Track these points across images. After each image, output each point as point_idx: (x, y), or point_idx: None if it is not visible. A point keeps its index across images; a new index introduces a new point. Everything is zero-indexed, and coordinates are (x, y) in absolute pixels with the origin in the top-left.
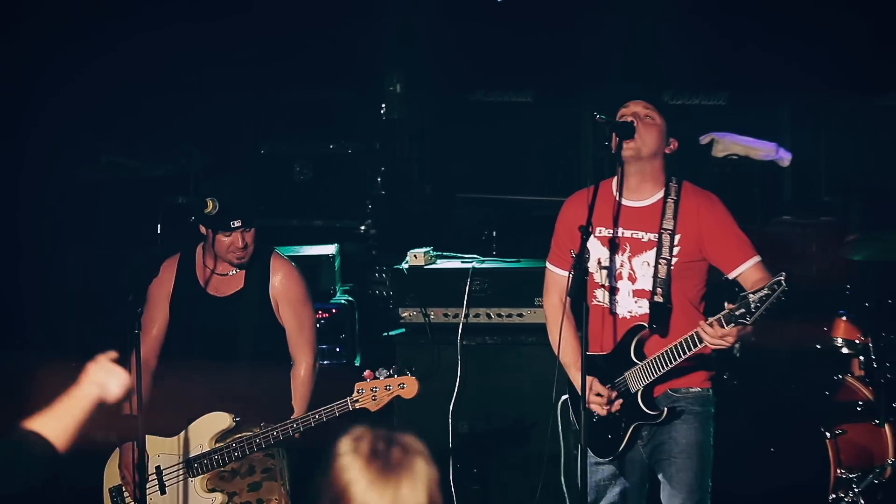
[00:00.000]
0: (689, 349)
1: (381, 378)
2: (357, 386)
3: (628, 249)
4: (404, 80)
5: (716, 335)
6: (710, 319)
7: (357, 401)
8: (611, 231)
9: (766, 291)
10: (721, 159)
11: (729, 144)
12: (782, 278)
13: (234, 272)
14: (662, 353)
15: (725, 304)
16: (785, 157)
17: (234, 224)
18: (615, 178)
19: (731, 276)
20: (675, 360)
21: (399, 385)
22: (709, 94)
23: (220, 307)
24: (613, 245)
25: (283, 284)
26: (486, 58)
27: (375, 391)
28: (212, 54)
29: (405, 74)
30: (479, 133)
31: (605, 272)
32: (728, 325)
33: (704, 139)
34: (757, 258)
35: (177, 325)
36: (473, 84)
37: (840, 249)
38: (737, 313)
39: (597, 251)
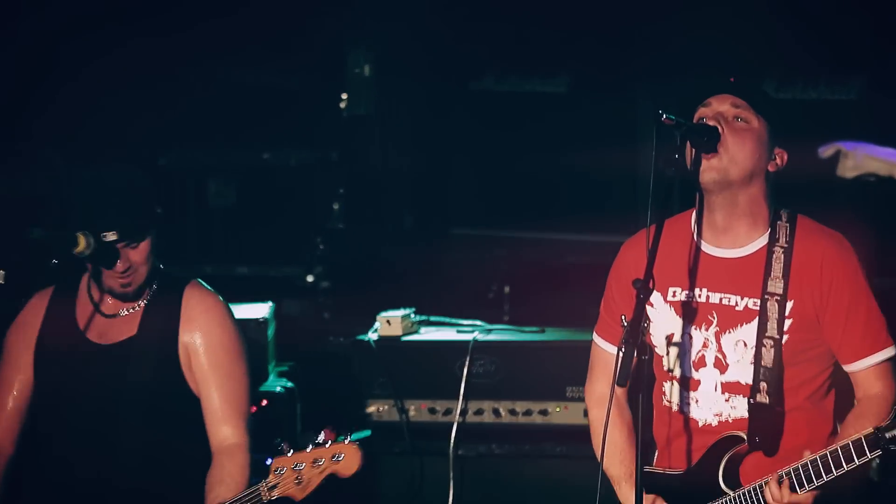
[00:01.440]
0: (811, 481)
1: (308, 450)
2: (274, 464)
3: (715, 322)
4: (375, 60)
5: (780, 499)
6: (782, 471)
7: (275, 486)
8: (688, 293)
9: None
10: (852, 181)
11: (864, 160)
12: None
13: (126, 311)
14: (763, 484)
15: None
16: None
17: (106, 237)
18: (693, 212)
19: (845, 368)
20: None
21: (333, 457)
22: (834, 85)
23: (103, 360)
24: (692, 314)
25: (199, 330)
26: (496, 29)
27: (300, 469)
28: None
29: (377, 52)
30: (486, 138)
31: (678, 355)
32: (876, 450)
33: (827, 151)
34: (889, 351)
35: (45, 388)
36: (478, 66)
37: None
38: (888, 435)
39: (667, 323)
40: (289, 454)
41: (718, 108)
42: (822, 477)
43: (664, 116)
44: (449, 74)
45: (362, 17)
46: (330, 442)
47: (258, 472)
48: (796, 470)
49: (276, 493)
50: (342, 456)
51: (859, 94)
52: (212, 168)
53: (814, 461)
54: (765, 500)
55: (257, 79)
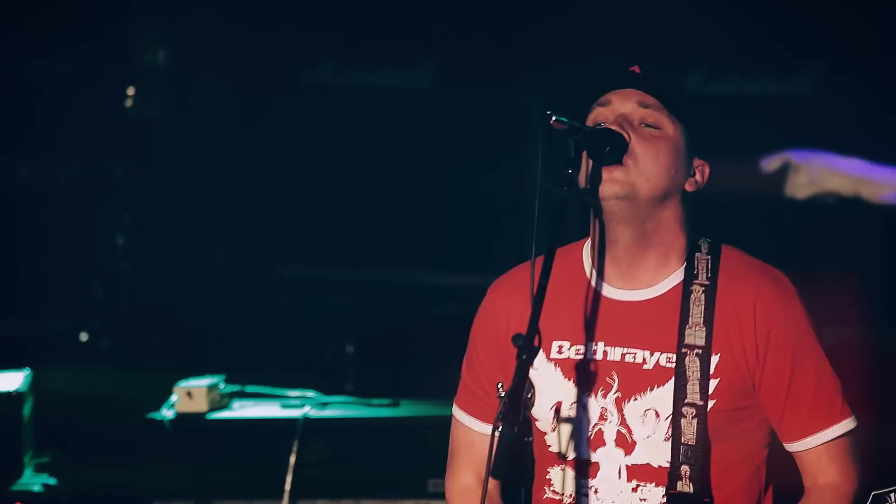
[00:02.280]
0: None
1: None
2: None
3: (616, 385)
4: (174, 45)
5: None
6: None
7: None
8: (580, 349)
9: None
10: (805, 202)
11: (821, 174)
12: None
13: None
14: None
15: None
16: None
17: None
18: (588, 241)
19: (790, 446)
20: None
21: None
22: (781, 76)
23: None
24: (586, 377)
25: None
26: (333, 4)
27: None
28: None
29: (175, 31)
30: (321, 148)
31: (568, 431)
32: None
33: (772, 163)
34: (847, 424)
35: None
36: (312, 52)
37: None
38: None
39: (552, 389)
40: None
41: (621, 109)
42: None
43: (553, 118)
44: (274, 64)
45: None
46: None
47: None
48: None
49: None
50: None
51: (815, 89)
52: None
53: None
54: None
55: (14, 69)
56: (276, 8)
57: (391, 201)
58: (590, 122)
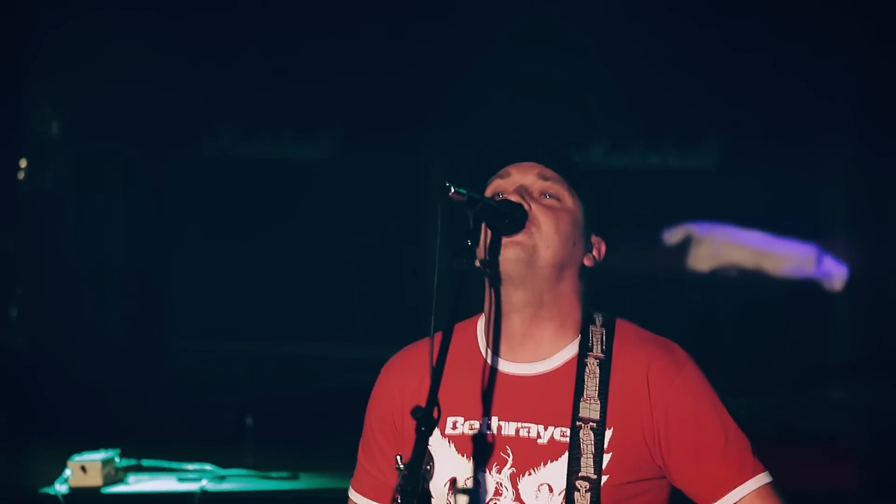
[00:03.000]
0: None
1: None
2: None
3: (511, 460)
4: (68, 112)
5: None
6: None
7: None
8: (473, 424)
9: None
10: (708, 275)
11: (723, 247)
12: None
13: None
14: None
15: None
16: (836, 274)
17: None
18: (482, 316)
19: None
20: None
21: None
22: (683, 149)
23: None
24: (480, 452)
25: None
26: (232, 74)
27: None
28: None
29: (70, 100)
30: (220, 218)
31: None
32: None
33: (674, 236)
34: (763, 478)
35: None
36: (212, 121)
37: None
38: None
39: (446, 465)
40: None
41: (521, 181)
42: None
43: (452, 190)
44: (171, 132)
45: (49, 55)
46: None
47: None
48: None
49: None
50: None
51: (717, 162)
52: None
53: None
54: None
55: None
56: (175, 80)
57: (291, 272)
58: (489, 193)
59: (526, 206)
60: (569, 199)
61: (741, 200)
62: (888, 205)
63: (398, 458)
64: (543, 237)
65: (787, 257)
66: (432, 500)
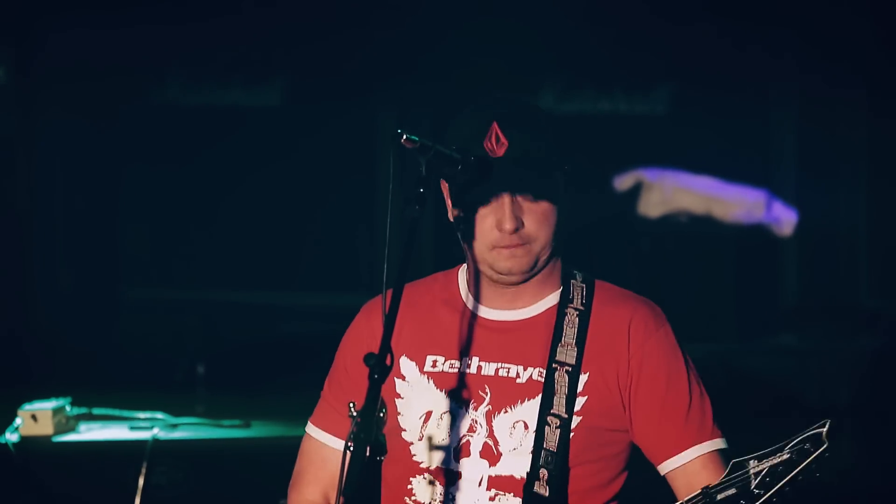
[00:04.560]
0: None
1: None
2: None
3: (488, 398)
4: (17, 62)
5: None
6: None
7: None
8: (453, 363)
9: (786, 455)
10: (658, 220)
11: (674, 193)
12: (823, 431)
13: None
14: None
15: None
16: (784, 219)
17: None
18: (463, 269)
19: (663, 468)
20: None
21: None
22: (633, 94)
23: None
24: (458, 389)
25: None
26: (179, 19)
27: None
28: None
29: (17, 48)
30: (170, 165)
31: (436, 441)
32: None
33: (625, 182)
34: (719, 443)
35: None
36: (161, 70)
37: None
38: (720, 496)
39: (423, 399)
40: None
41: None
42: None
43: (404, 137)
44: (120, 81)
45: None
46: None
47: None
48: None
49: None
50: None
51: (667, 108)
52: None
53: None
54: None
55: None
56: (124, 25)
57: (242, 219)
58: (477, 216)
59: (514, 209)
60: (549, 191)
61: (691, 146)
62: (838, 150)
63: (351, 405)
64: (540, 246)
65: (736, 203)
66: (403, 434)
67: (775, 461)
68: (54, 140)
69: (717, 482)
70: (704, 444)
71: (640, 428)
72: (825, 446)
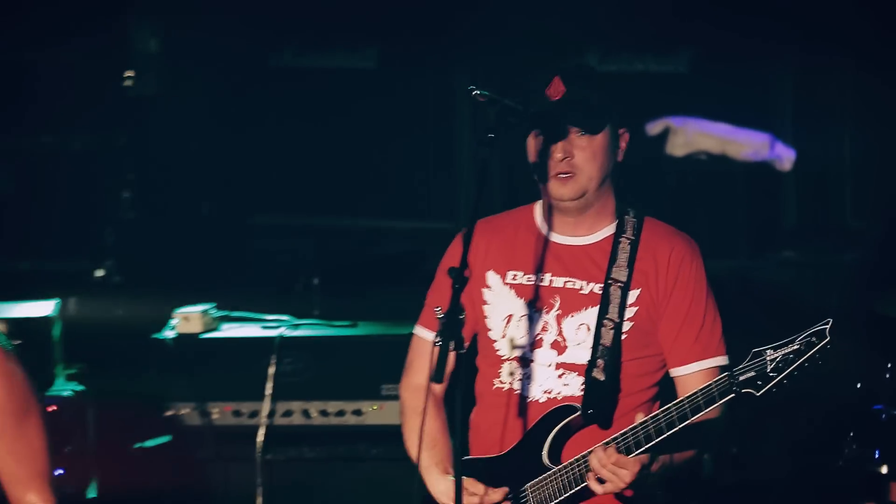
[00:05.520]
0: (635, 449)
1: None
2: None
3: (558, 305)
4: (163, 34)
5: (606, 462)
6: (677, 402)
7: None
8: (530, 277)
9: (796, 346)
10: (682, 159)
11: (694, 136)
12: (826, 327)
13: None
14: (585, 456)
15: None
16: (785, 157)
17: None
18: (540, 203)
19: (673, 372)
20: (577, 485)
21: None
22: (661, 56)
23: None
24: (533, 297)
25: None
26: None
27: None
28: None
29: (165, 25)
30: (288, 118)
31: (515, 337)
32: (722, 399)
33: (655, 128)
34: (721, 360)
35: None
36: (277, 39)
37: (879, 304)
38: (742, 377)
39: (505, 305)
40: None
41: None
42: (652, 438)
43: (476, 92)
44: (246, 49)
45: None
46: None
47: None
48: (625, 433)
49: None
50: None
51: (689, 67)
52: None
53: (646, 421)
54: (589, 469)
55: (35, 56)
56: (247, 4)
57: (347, 162)
58: (530, 145)
59: (552, 118)
60: (596, 131)
61: (709, 99)
62: (827, 100)
63: (437, 308)
64: (587, 177)
65: (745, 144)
66: (489, 333)
67: (787, 350)
68: (194, 98)
69: (738, 367)
70: (707, 360)
71: (663, 337)
72: (827, 339)
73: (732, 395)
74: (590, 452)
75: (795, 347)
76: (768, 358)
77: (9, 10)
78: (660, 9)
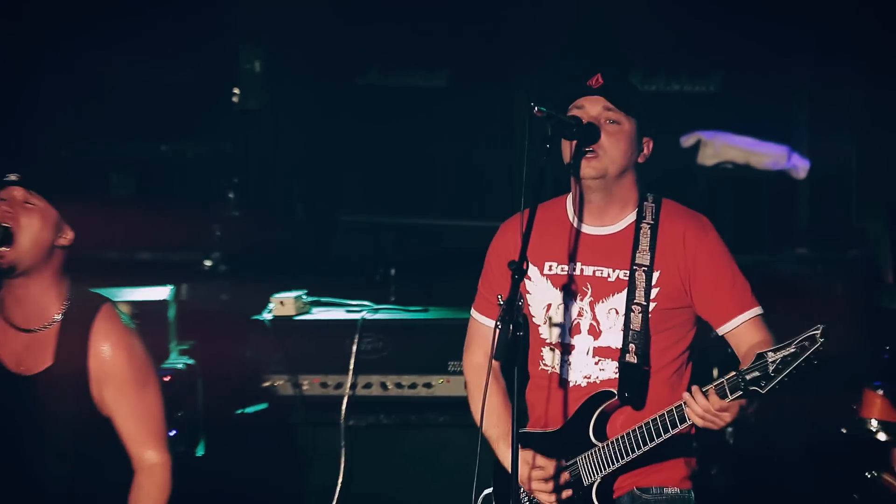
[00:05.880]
0: (668, 429)
1: None
2: None
3: (590, 292)
4: (266, 57)
5: (709, 409)
6: (706, 387)
7: None
8: (564, 267)
9: (792, 349)
10: (711, 168)
11: (722, 148)
12: (818, 332)
13: (39, 326)
14: (629, 434)
15: (715, 372)
16: (800, 166)
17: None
18: (570, 195)
19: (720, 331)
20: (647, 443)
21: None
22: (694, 78)
23: (24, 390)
24: (568, 286)
25: (107, 358)
26: (381, 26)
27: None
28: None
29: (267, 48)
30: (371, 130)
31: (555, 324)
32: (732, 394)
33: (688, 141)
34: (757, 310)
35: None
36: (363, 62)
37: (876, 296)
38: (748, 377)
39: (544, 294)
40: None
41: (592, 112)
42: (758, 386)
43: (535, 108)
44: (336, 70)
45: (253, 15)
46: None
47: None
48: (719, 383)
49: None
50: None
51: (718, 88)
52: (112, 159)
53: (741, 372)
54: (639, 445)
55: (157, 74)
56: (336, 29)
57: (420, 168)
58: (572, 112)
59: (599, 129)
60: (626, 122)
61: (735, 116)
62: (836, 118)
63: (499, 296)
64: (610, 159)
65: (766, 155)
66: (533, 319)
67: (785, 353)
68: (291, 112)
69: (745, 367)
70: (746, 312)
71: (700, 306)
72: (818, 344)
73: (741, 392)
74: (642, 425)
75: (792, 350)
76: (769, 360)
77: (134, 35)
78: (695, 37)
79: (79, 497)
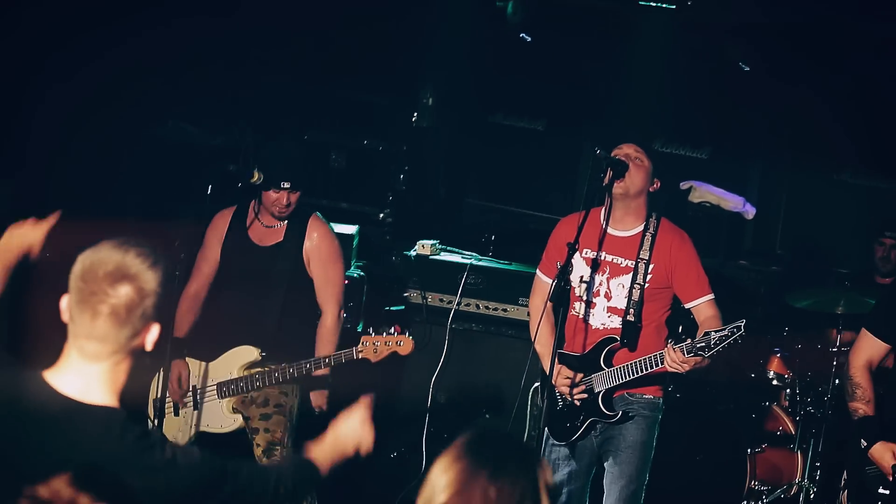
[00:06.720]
0: (652, 366)
1: (384, 335)
2: (363, 339)
3: (608, 271)
4: (436, 95)
5: (677, 360)
6: (676, 346)
7: (361, 351)
8: (594, 253)
9: (726, 332)
10: (696, 204)
11: (704, 193)
12: (742, 324)
13: (277, 225)
14: (628, 365)
15: (684, 338)
16: (750, 211)
17: (283, 185)
18: (603, 207)
19: (687, 305)
20: (638, 372)
21: (397, 342)
22: (693, 148)
23: (261, 255)
24: (595, 265)
25: (316, 243)
26: (509, 85)
27: (377, 345)
28: (267, 37)
29: (438, 90)
30: (493, 150)
31: (585, 288)
32: (688, 354)
33: (684, 185)
34: (711, 296)
35: (225, 266)
36: (494, 107)
37: (784, 296)
38: (698, 346)
39: (580, 269)
40: (372, 335)
41: (627, 151)
42: (703, 352)
43: (598, 151)
44: (476, 109)
45: (433, 67)
46: (397, 333)
47: (352, 340)
48: (690, 344)
49: (361, 355)
50: (402, 343)
51: (708, 155)
52: (334, 144)
53: (695, 342)
54: (633, 372)
55: (369, 96)
56: (478, 80)
57: (522, 178)
58: (613, 153)
59: (628, 164)
60: (646, 162)
61: (715, 174)
62: (774, 186)
63: (558, 263)
64: (633, 184)
65: (731, 201)
66: (572, 285)
67: (722, 334)
68: (444, 130)
69: (696, 340)
70: (705, 296)
71: (677, 288)
72: (742, 331)
73: (693, 353)
74: (648, 357)
75: (725, 333)
76: (712, 337)
77: (359, 71)
78: (695, 123)
79: (284, 328)
